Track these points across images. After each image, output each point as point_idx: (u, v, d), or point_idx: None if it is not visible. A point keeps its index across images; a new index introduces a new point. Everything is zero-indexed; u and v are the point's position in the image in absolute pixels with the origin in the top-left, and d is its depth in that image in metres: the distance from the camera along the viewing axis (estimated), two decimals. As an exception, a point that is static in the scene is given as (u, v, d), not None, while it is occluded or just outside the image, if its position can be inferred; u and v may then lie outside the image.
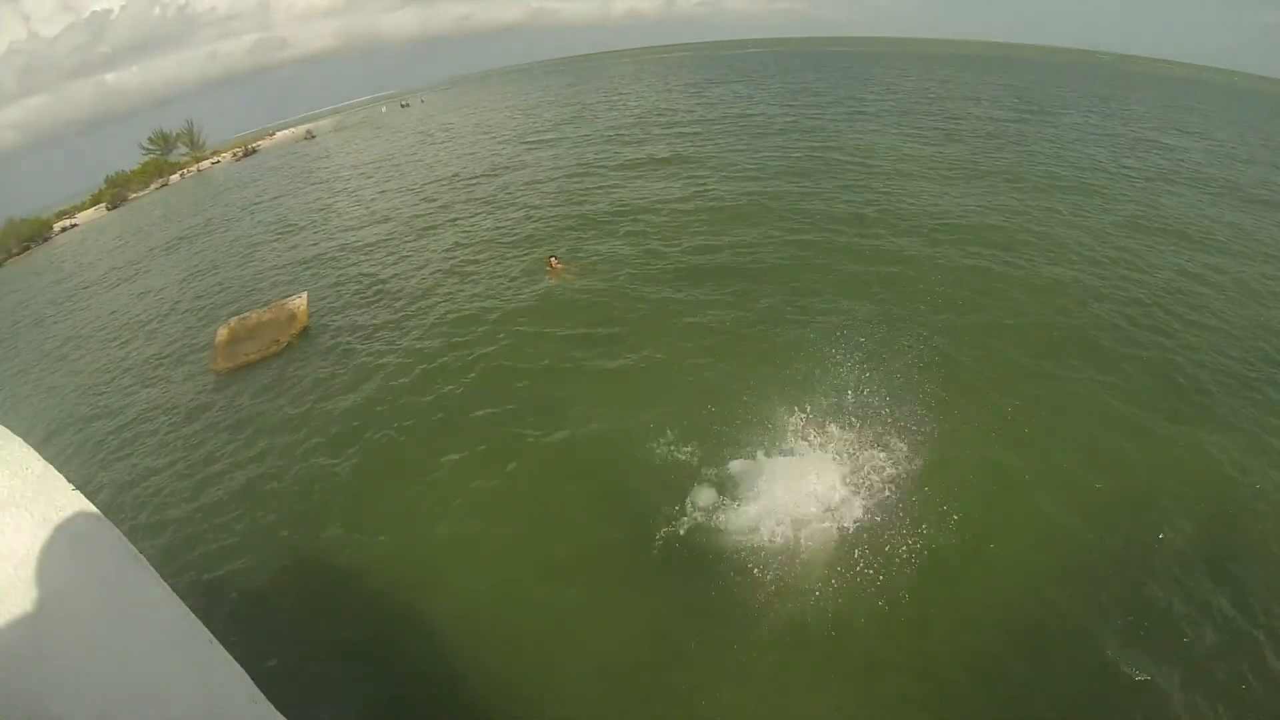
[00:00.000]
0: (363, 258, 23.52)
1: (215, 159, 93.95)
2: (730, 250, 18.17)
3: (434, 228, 25.46)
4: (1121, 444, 10.16)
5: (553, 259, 18.82)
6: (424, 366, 14.75)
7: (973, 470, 9.51)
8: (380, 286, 20.19)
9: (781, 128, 35.55)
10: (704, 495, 9.33)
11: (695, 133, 35.69)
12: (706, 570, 8.25)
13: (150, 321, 23.89)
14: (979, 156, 27.46)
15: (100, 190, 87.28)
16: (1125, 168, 26.37)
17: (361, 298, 19.62)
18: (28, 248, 70.92)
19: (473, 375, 13.99)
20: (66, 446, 15.94)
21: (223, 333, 18.25)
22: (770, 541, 8.42)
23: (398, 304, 18.54)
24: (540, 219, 23.67)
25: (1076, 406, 11.04)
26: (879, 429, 10.03)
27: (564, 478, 10.49)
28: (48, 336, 27.59)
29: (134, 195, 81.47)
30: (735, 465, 9.79)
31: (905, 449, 9.65)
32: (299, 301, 18.52)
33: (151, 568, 3.17)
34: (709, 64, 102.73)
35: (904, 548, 8.20)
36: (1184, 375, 11.98)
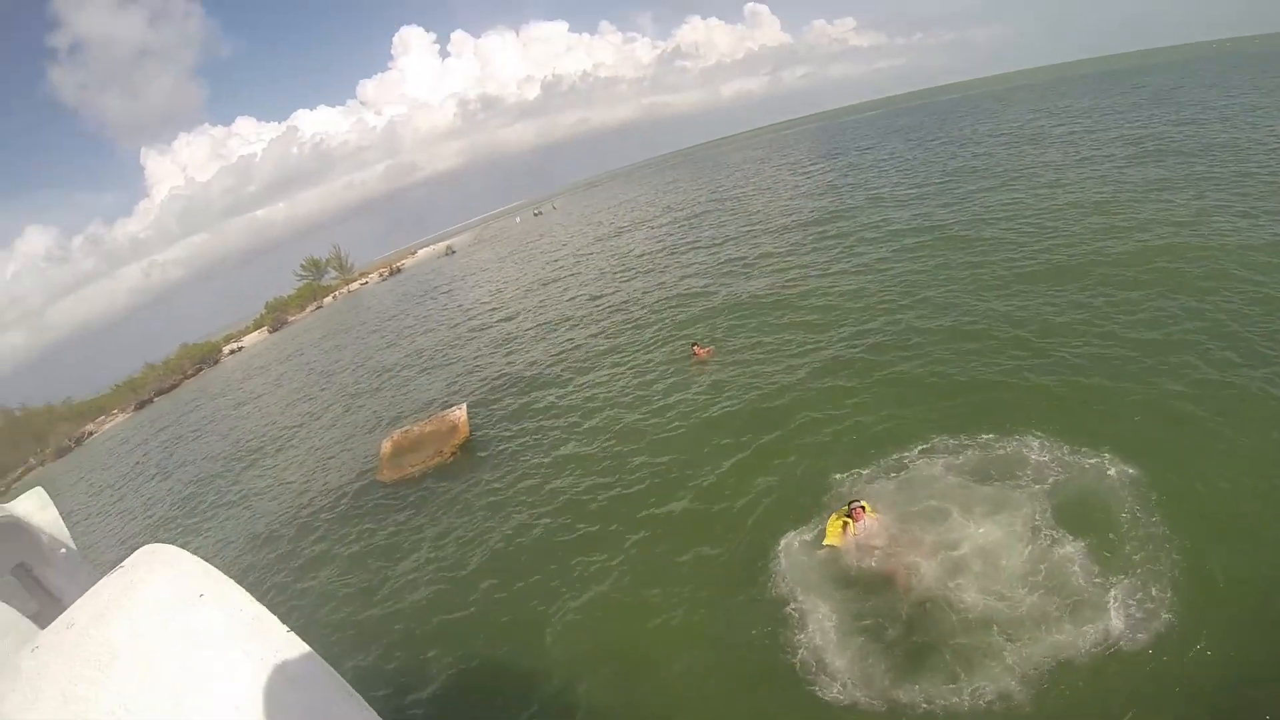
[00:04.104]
0: (514, 366, 24.44)
1: (364, 280, 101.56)
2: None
3: (577, 329, 26.32)
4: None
5: (696, 345, 19.16)
6: (582, 475, 14.93)
7: None
8: (534, 393, 20.82)
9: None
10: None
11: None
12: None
13: (317, 437, 25.64)
14: None
15: (261, 315, 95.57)
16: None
17: (517, 406, 20.22)
18: (200, 369, 78.04)
19: (633, 480, 13.99)
20: (247, 566, 17.04)
21: (387, 446, 19.15)
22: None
23: (552, 409, 19.01)
24: (678, 315, 23.99)
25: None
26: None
27: (736, 586, 10.09)
28: (220, 455, 29.89)
29: (293, 318, 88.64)
30: None
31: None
32: (459, 413, 19.24)
33: (364, 701, 3.29)
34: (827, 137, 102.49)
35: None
36: None
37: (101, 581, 3.47)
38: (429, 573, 13.31)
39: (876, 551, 9.24)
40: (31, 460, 72.73)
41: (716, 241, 34.81)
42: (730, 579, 10.10)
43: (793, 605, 9.00)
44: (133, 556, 3.56)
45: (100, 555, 23.20)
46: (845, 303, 19.89)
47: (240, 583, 3.52)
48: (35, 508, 7.25)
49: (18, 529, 6.74)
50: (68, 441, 72.73)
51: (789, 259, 26.83)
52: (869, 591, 8.84)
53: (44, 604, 6.83)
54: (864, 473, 11.25)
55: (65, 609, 6.80)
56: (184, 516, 24.09)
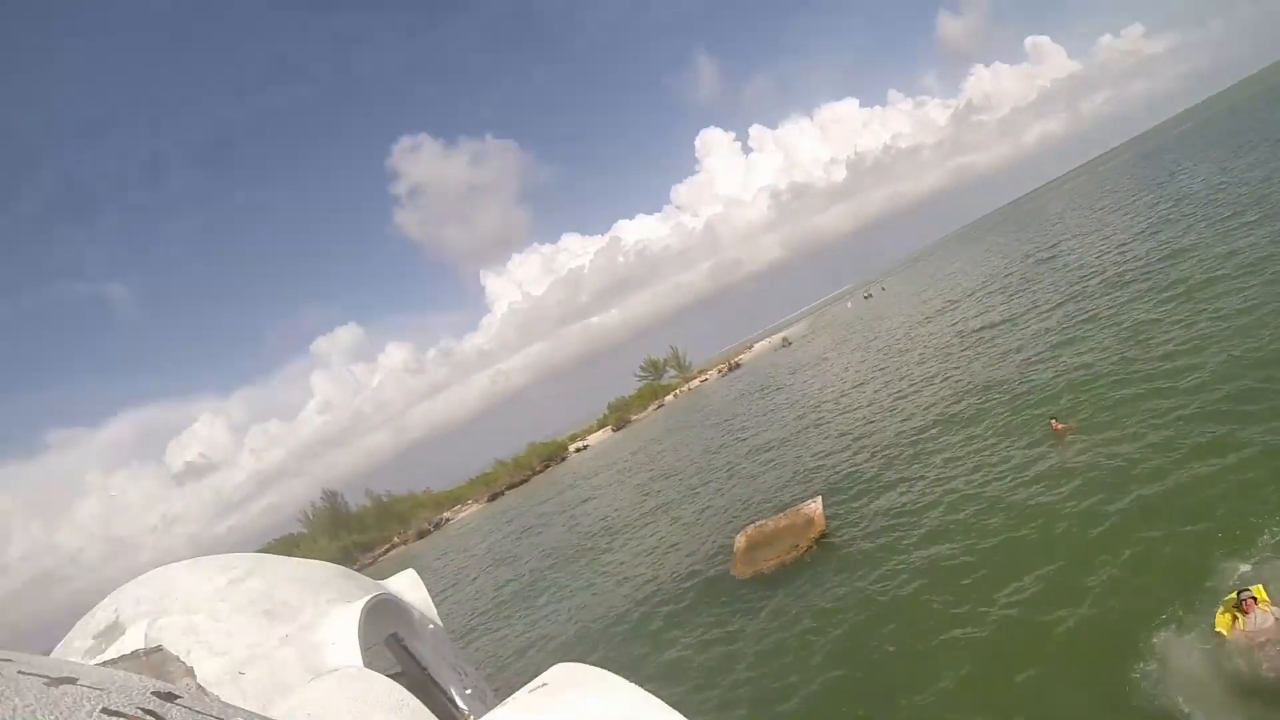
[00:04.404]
0: (861, 456, 22.74)
1: (703, 377, 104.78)
2: None
3: (920, 415, 23.83)
4: None
5: (1054, 420, 16.93)
6: (939, 572, 13.34)
7: None
8: (885, 483, 19.19)
9: None
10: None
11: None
12: None
13: (664, 532, 25.51)
14: None
15: (604, 415, 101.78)
16: None
17: (868, 498, 18.66)
18: (548, 466, 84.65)
19: (992, 573, 12.36)
20: (582, 654, 16.74)
21: (741, 540, 18.23)
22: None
23: (905, 501, 17.28)
24: (1022, 390, 21.32)
25: None
26: None
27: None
28: (566, 546, 30.93)
29: (635, 417, 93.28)
30: None
31: None
32: (814, 507, 17.82)
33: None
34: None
35: None
36: None
37: (522, 697, 3.34)
38: (783, 673, 12.40)
39: (1276, 653, 7.51)
40: (395, 539, 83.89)
41: (1052, 304, 31.08)
42: (1101, 685, 8.59)
43: (1179, 720, 7.55)
44: (550, 673, 3.46)
45: (451, 625, 24.36)
46: (1203, 358, 16.73)
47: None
48: (408, 586, 8.15)
49: (393, 604, 7.42)
50: (427, 525, 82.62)
51: (1130, 314, 23.26)
52: (1270, 705, 7.23)
53: (409, 669, 7.28)
54: (1254, 553, 9.36)
55: (430, 676, 7.19)
56: (527, 600, 24.94)
